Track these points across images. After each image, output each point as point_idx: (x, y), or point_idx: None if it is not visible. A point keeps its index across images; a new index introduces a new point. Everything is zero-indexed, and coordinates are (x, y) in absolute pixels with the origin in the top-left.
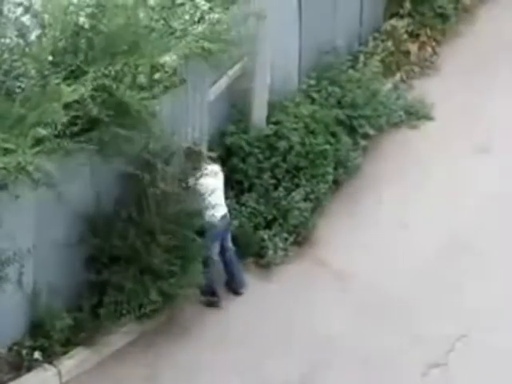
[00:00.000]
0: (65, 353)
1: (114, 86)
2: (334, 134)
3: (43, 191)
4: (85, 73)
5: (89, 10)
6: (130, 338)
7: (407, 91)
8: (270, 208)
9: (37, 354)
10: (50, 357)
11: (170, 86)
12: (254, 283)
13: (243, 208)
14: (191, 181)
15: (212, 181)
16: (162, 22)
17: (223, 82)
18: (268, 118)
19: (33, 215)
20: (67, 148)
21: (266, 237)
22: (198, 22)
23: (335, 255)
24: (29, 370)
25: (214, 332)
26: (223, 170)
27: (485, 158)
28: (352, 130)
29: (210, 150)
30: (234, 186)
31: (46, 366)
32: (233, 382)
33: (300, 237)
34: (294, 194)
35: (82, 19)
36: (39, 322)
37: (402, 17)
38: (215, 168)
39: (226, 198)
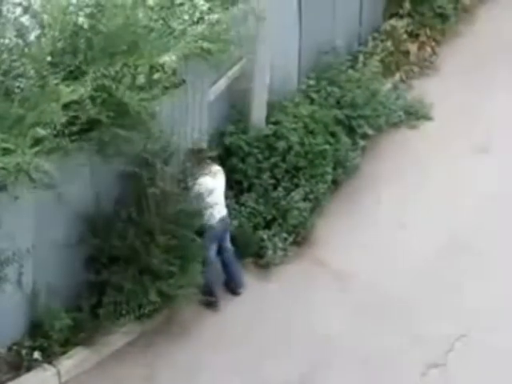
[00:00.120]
0: (64, 353)
1: (114, 87)
2: (333, 134)
3: (43, 191)
4: (84, 73)
5: (88, 10)
6: (129, 338)
7: (406, 91)
8: (269, 208)
9: (36, 354)
10: (49, 357)
11: (170, 86)
12: (253, 283)
13: (242, 208)
14: (190, 181)
15: (211, 181)
16: (161, 22)
17: (222, 83)
18: (267, 118)
19: (32, 215)
20: (67, 148)
21: (265, 237)
22: (198, 22)
23: (334, 255)
24: (28, 369)
25: (212, 332)
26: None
27: (484, 158)
28: (351, 130)
29: (210, 149)
30: (233, 186)
31: (46, 365)
32: (232, 382)
33: (299, 237)
34: (293, 193)
35: (81, 19)
36: (38, 322)
37: (401, 17)
38: (215, 168)
39: (226, 197)
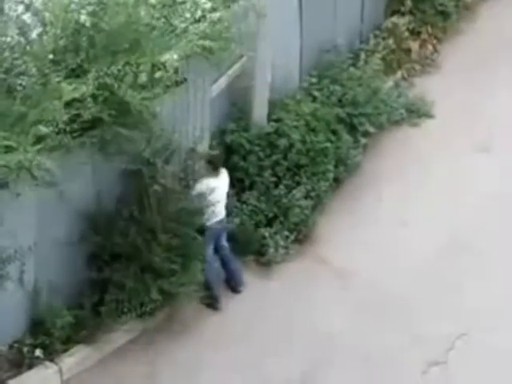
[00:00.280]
0: (66, 350)
1: (116, 85)
2: (334, 132)
3: (44, 189)
4: (86, 71)
5: (90, 8)
6: (130, 335)
7: (408, 89)
8: (270, 206)
9: (38, 352)
10: (50, 354)
11: (171, 85)
12: (254, 281)
13: (244, 206)
14: (192, 179)
15: (213, 180)
16: (163, 20)
17: (223, 81)
18: (269, 115)
19: (34, 213)
20: (68, 146)
21: (266, 235)
22: (199, 20)
23: (336, 253)
24: (30, 367)
25: (214, 330)
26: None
27: (485, 157)
28: (353, 128)
29: (211, 148)
30: (234, 184)
31: (47, 363)
32: (233, 380)
33: (301, 235)
34: (294, 191)
35: (83, 17)
36: (40, 319)
37: (403, 14)
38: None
39: (227, 195)
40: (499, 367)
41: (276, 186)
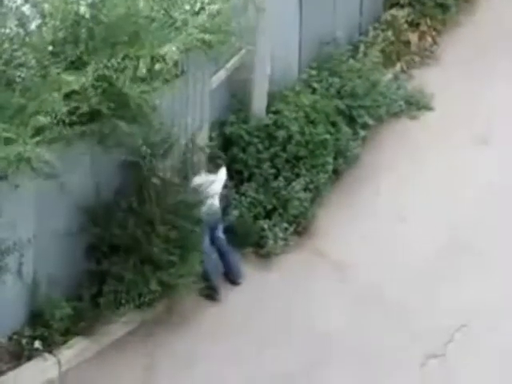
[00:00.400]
0: (64, 342)
1: (115, 77)
2: (333, 124)
3: (43, 181)
4: (85, 63)
5: (89, 0)
6: (129, 327)
7: (407, 81)
8: (269, 198)
9: (37, 344)
10: (49, 346)
11: (171, 78)
12: (253, 273)
13: (243, 198)
14: (190, 172)
15: (211, 176)
16: (162, 12)
17: (222, 73)
18: (268, 107)
19: (33, 205)
20: (68, 138)
21: (265, 227)
22: (198, 12)
23: (334, 246)
24: (29, 359)
25: (212, 322)
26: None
27: (484, 149)
28: (352, 120)
29: (210, 140)
30: (233, 176)
31: (46, 355)
32: (231, 372)
33: (300, 227)
34: (293, 183)
35: (82, 9)
36: (39, 311)
37: (402, 6)
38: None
39: (225, 187)
40: (498, 360)
41: (275, 178)
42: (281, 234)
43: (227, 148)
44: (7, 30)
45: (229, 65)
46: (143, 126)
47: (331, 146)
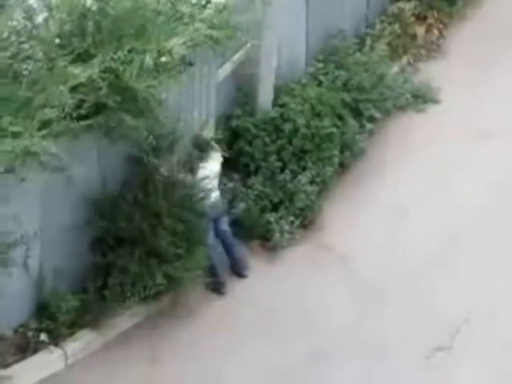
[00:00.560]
0: (70, 335)
1: (121, 69)
2: (340, 117)
3: (50, 174)
4: (92, 56)
5: None
6: (135, 320)
7: (414, 74)
8: (276, 191)
9: (43, 336)
10: (55, 339)
11: (177, 72)
12: (259, 265)
13: (249, 191)
14: (196, 165)
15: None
16: (169, 5)
17: (229, 66)
18: (274, 100)
19: (39, 198)
20: (74, 131)
21: (272, 220)
22: (204, 6)
23: (340, 239)
24: (34, 351)
25: (218, 315)
26: (229, 154)
27: (491, 142)
28: (358, 113)
29: (217, 133)
30: (240, 169)
31: (52, 347)
32: (236, 365)
33: (306, 220)
34: (300, 176)
35: (89, 1)
36: (45, 304)
37: None
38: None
39: (232, 180)
40: (504, 352)
41: (281, 171)
42: (287, 227)
43: (234, 141)
44: (14, 23)
45: (235, 58)
46: (149, 119)
47: (337, 139)
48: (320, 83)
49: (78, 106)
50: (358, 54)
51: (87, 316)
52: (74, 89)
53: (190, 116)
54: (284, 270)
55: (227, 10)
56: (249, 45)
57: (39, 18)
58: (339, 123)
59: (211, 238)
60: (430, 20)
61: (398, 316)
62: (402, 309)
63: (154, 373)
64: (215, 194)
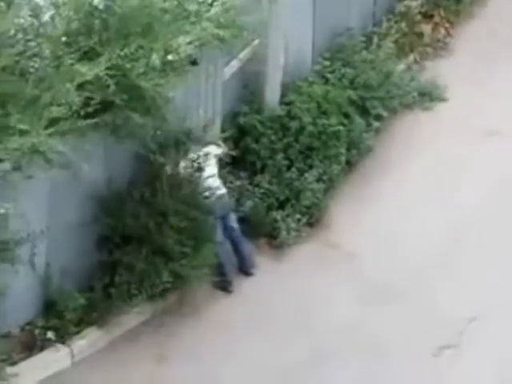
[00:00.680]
0: (77, 333)
1: (128, 67)
2: (346, 115)
3: (56, 172)
4: (99, 54)
5: None
6: (141, 318)
7: (420, 72)
8: (282, 189)
9: (49, 334)
10: (62, 337)
11: (183, 70)
12: (266, 263)
13: (256, 189)
14: (203, 163)
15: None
16: (175, 3)
17: (235, 64)
18: (281, 98)
19: (46, 196)
20: (81, 129)
21: (278, 217)
22: (211, 4)
23: (346, 237)
24: (41, 349)
25: (224, 312)
26: (236, 152)
27: (498, 140)
28: (365, 111)
29: (223, 131)
30: (247, 167)
31: (59, 345)
32: (242, 364)
33: (312, 218)
34: (306, 174)
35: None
36: (52, 302)
37: None
38: (208, 149)
39: (238, 178)
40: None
41: (288, 168)
42: (293, 225)
43: (240, 139)
44: (21, 21)
45: (241, 55)
46: (156, 117)
47: (344, 137)
48: (327, 81)
49: (85, 104)
50: (364, 52)
51: (94, 314)
52: (80, 87)
53: (197, 113)
54: (291, 268)
55: (234, 9)
56: (256, 42)
57: (46, 16)
58: (346, 121)
59: (219, 236)
60: (436, 18)
61: (405, 314)
62: (409, 307)
63: (161, 371)
64: (222, 192)
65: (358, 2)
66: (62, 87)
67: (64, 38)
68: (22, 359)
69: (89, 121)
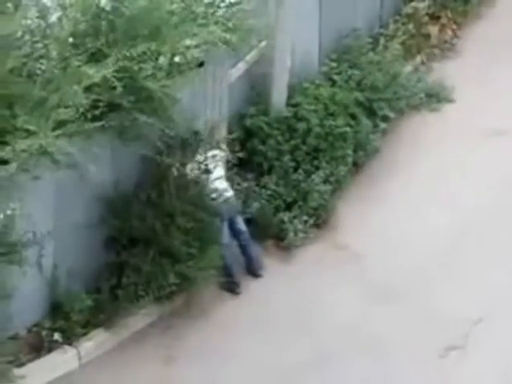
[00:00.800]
0: (84, 334)
1: (136, 69)
2: (353, 116)
3: (63, 173)
4: (106, 56)
5: None
6: (148, 320)
7: (427, 74)
8: (289, 190)
9: (56, 336)
10: (69, 338)
11: (190, 72)
12: (273, 265)
13: (263, 190)
14: (211, 164)
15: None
16: (182, 5)
17: (242, 66)
18: (288, 99)
19: (53, 197)
20: (88, 131)
21: (285, 219)
22: (219, 7)
23: (353, 238)
24: (49, 351)
25: (231, 314)
26: (243, 153)
27: (506, 141)
28: (372, 113)
29: (230, 132)
30: (253, 169)
31: (66, 347)
32: (249, 364)
33: (320, 219)
34: (313, 176)
35: (103, 1)
36: (59, 303)
37: None
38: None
39: (245, 179)
40: None
41: (295, 170)
42: (301, 227)
43: (247, 140)
44: (28, 22)
45: (248, 57)
46: (163, 119)
47: (351, 138)
48: (333, 83)
49: (92, 106)
50: (371, 54)
51: (101, 315)
52: (88, 89)
53: (203, 115)
54: (298, 270)
55: (242, 12)
56: (262, 44)
57: (53, 17)
58: (353, 122)
59: (226, 238)
60: (443, 20)
61: (411, 315)
62: (415, 308)
63: (168, 372)
64: (229, 194)
65: (364, 4)
66: (69, 89)
67: (71, 40)
68: (30, 361)
69: (96, 123)
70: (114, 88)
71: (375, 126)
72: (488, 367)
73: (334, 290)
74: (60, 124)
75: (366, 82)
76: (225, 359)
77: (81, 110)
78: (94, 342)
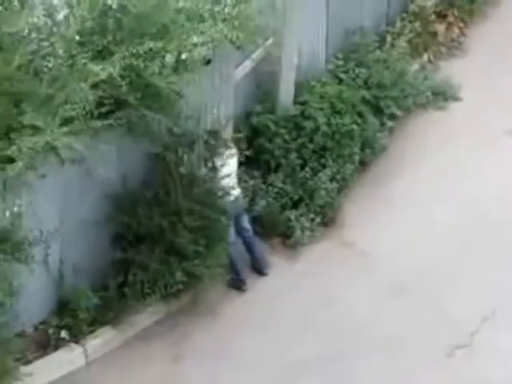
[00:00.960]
0: (91, 332)
1: (142, 66)
2: (360, 115)
3: (70, 170)
4: (112, 53)
5: None
6: (155, 317)
7: (434, 72)
8: (296, 188)
9: (63, 333)
10: (76, 336)
11: (197, 69)
12: (280, 263)
13: (270, 188)
14: (218, 161)
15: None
16: (189, 3)
17: (248, 64)
18: (295, 97)
19: (59, 195)
20: (96, 128)
21: (292, 217)
22: (226, 5)
23: (360, 236)
24: (55, 348)
25: (238, 312)
26: (249, 151)
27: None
28: (379, 111)
29: (237, 130)
30: (260, 166)
31: (73, 345)
32: (257, 364)
33: (326, 217)
34: (320, 174)
35: None
36: (66, 301)
37: None
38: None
39: (252, 177)
40: None
41: (302, 168)
42: (307, 225)
43: (254, 138)
44: (35, 20)
45: (255, 55)
46: (170, 116)
47: (358, 136)
48: (340, 81)
49: (99, 104)
50: (378, 52)
51: (108, 313)
52: (94, 86)
53: (210, 112)
54: (305, 268)
55: (249, 11)
56: (269, 42)
57: (60, 15)
58: (359, 121)
59: (232, 236)
60: (450, 18)
61: (418, 314)
62: (422, 307)
63: (174, 370)
64: (236, 192)
65: (371, 2)
66: (75, 86)
67: (78, 38)
68: (36, 358)
69: (103, 120)
70: (121, 85)
71: (382, 124)
72: (494, 366)
73: (341, 288)
74: (67, 121)
75: (373, 80)
76: (232, 357)
77: (87, 107)
78: (101, 340)
